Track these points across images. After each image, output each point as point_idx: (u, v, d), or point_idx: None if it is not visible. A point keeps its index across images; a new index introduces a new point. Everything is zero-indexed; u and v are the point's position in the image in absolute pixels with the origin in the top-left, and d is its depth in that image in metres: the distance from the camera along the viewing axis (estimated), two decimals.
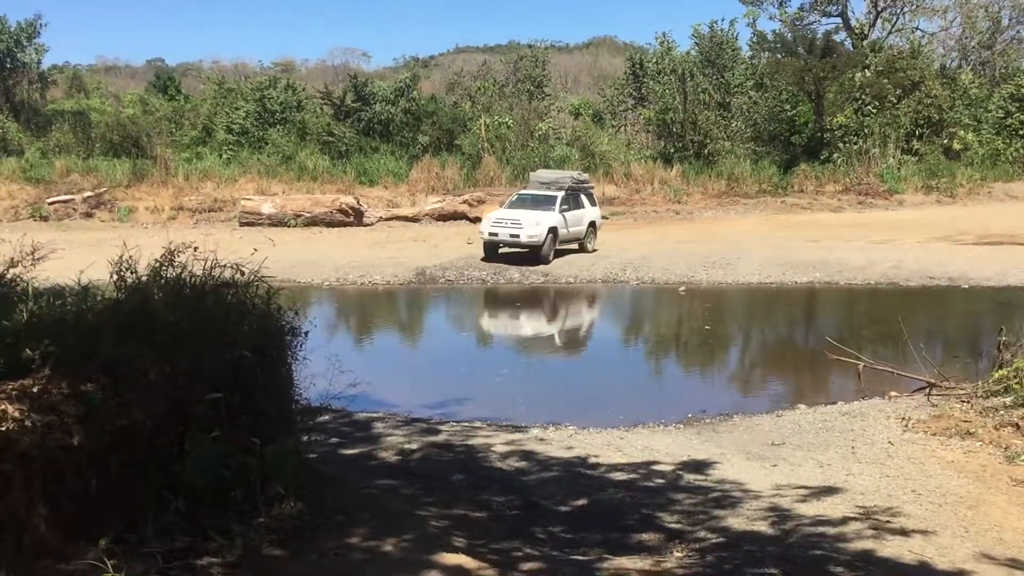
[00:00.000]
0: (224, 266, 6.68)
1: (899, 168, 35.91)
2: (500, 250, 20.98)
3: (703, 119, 37.05)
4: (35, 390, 4.52)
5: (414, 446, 8.60)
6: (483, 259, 20.92)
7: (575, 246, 22.10)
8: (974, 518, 6.08)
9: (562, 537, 5.77)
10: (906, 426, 8.57)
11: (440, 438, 8.89)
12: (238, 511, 5.26)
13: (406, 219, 28.66)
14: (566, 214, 21.42)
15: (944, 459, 7.41)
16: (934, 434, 8.16)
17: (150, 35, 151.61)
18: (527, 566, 4.99)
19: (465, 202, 29.22)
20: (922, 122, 38.07)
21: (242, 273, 6.76)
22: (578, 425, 9.61)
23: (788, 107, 39.37)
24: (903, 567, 5.13)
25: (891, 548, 5.36)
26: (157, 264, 5.97)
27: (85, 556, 4.30)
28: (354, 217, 28.00)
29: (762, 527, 5.92)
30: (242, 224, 27.43)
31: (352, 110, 35.75)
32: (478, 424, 9.76)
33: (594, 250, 22.39)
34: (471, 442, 8.75)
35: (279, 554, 4.87)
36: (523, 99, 37.96)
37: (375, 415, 9.87)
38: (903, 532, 5.64)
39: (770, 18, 43.23)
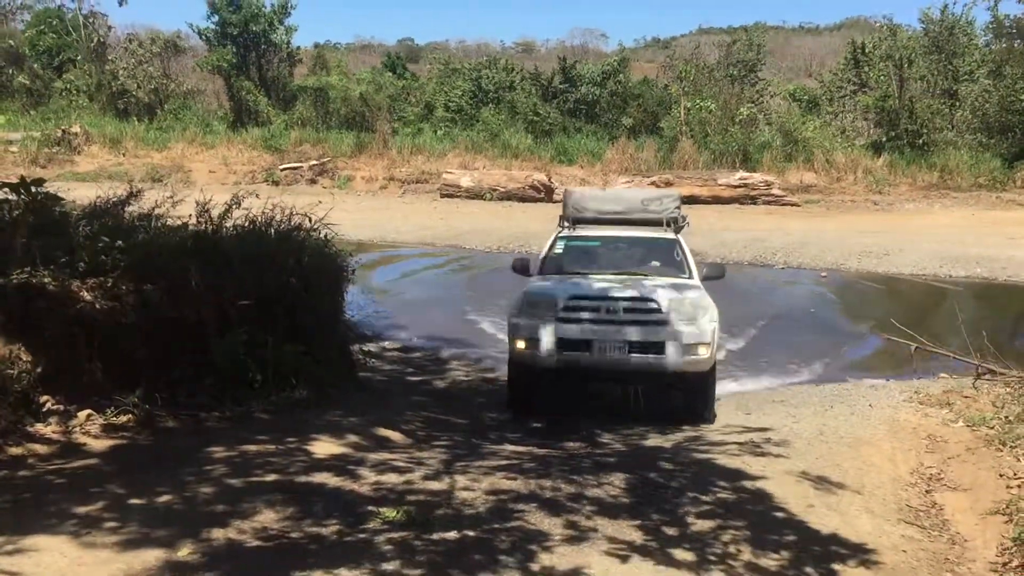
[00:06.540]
0: (298, 215, 8.66)
1: None
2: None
3: (922, 107, 35.72)
4: (108, 284, 6.58)
5: (467, 379, 10.22)
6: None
7: None
8: (837, 452, 6.75)
9: (508, 438, 7.21)
10: (908, 398, 9.11)
11: (493, 375, 10.43)
12: (256, 391, 7.15)
13: None
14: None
15: (894, 419, 8.01)
16: (922, 404, 8.70)
17: (403, 15, 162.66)
18: (437, 443, 6.52)
19: (652, 183, 30.28)
20: None
21: (311, 222, 8.74)
22: None
23: None
24: (715, 468, 6.08)
25: (726, 460, 6.29)
26: (226, 207, 7.93)
27: (125, 398, 6.31)
28: (544, 193, 29.84)
29: (666, 445, 7.02)
30: (443, 196, 29.96)
31: (559, 91, 37.57)
32: None
33: None
34: None
35: (265, 417, 6.71)
36: (730, 83, 38.15)
37: (457, 354, 11.54)
38: (761, 454, 6.49)
39: (1019, 1, 40.66)
